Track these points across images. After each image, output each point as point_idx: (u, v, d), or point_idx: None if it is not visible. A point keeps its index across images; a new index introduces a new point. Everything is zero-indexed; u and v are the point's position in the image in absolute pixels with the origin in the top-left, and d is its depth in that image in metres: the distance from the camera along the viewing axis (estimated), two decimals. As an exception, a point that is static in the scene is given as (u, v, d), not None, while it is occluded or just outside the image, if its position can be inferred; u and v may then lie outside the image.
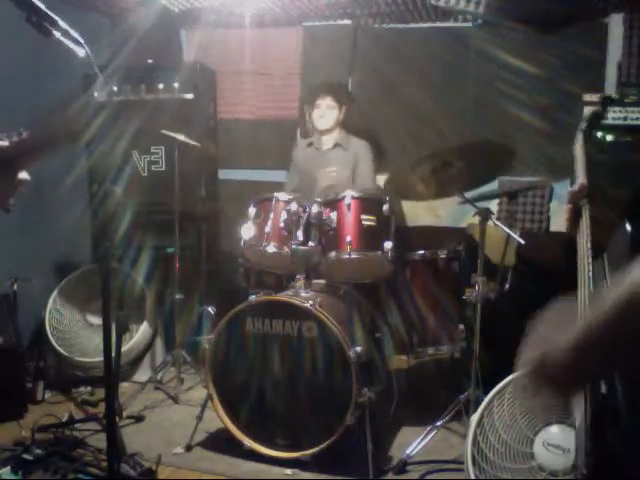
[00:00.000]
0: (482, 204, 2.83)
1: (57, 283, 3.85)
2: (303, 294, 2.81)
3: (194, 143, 3.42)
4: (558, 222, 3.80)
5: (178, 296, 3.51)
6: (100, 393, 3.51)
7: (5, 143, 1.19)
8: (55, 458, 2.57)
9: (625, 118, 3.25)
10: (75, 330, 3.78)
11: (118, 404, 2.95)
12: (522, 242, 2.84)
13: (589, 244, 1.31)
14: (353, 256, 2.80)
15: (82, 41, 1.31)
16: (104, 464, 2.53)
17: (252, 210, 3.00)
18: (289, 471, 2.66)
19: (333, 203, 2.87)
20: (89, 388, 3.59)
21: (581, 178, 1.52)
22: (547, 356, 0.95)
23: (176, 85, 3.85)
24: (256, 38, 4.29)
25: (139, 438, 2.95)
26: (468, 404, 2.71)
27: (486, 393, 2.38)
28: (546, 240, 3.75)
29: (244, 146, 4.38)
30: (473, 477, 2.21)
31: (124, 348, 3.54)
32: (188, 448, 2.85)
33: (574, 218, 1.43)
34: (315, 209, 2.85)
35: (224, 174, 4.42)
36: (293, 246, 2.84)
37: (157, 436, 3.01)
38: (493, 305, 2.82)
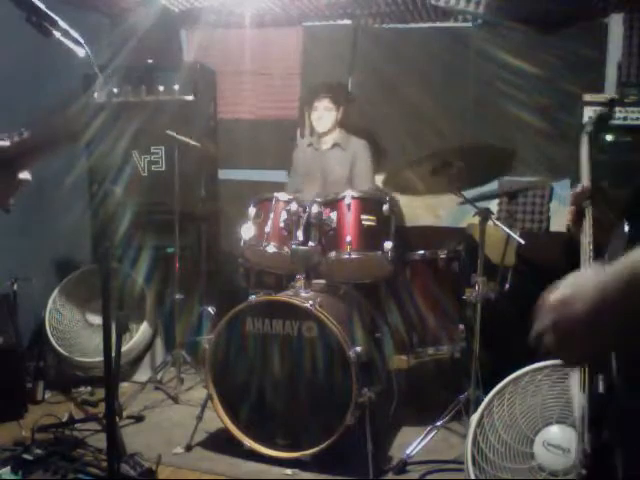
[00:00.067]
0: (482, 204, 2.83)
1: (57, 283, 3.85)
2: (303, 294, 2.81)
3: (194, 143, 3.42)
4: (558, 222, 3.80)
5: (178, 296, 3.51)
6: (100, 393, 3.51)
7: (6, 143, 1.19)
8: (55, 458, 2.57)
9: (625, 118, 3.25)
10: (75, 330, 3.78)
11: (118, 404, 2.95)
12: (522, 242, 2.84)
13: (592, 245, 1.32)
14: (353, 256, 2.80)
15: (82, 41, 1.31)
16: (104, 464, 2.53)
17: (252, 210, 3.00)
18: (289, 471, 2.66)
19: (333, 203, 2.87)
20: (89, 388, 3.59)
21: (585, 181, 1.52)
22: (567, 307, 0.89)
23: (176, 87, 3.85)
24: (256, 38, 4.29)
25: (139, 438, 2.95)
26: (468, 404, 2.71)
27: (486, 393, 2.38)
28: (546, 240, 3.75)
29: (244, 146, 4.38)
30: (473, 477, 2.21)
31: (124, 348, 3.55)
32: (188, 448, 2.85)
33: (577, 219, 1.44)
34: (315, 209, 2.85)
35: (224, 174, 4.42)
36: (293, 246, 2.84)
37: (157, 436, 3.01)
38: (493, 305, 2.82)
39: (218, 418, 2.78)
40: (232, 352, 2.79)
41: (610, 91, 3.60)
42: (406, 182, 2.85)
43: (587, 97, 3.36)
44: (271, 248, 2.90)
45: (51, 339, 3.70)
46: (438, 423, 2.80)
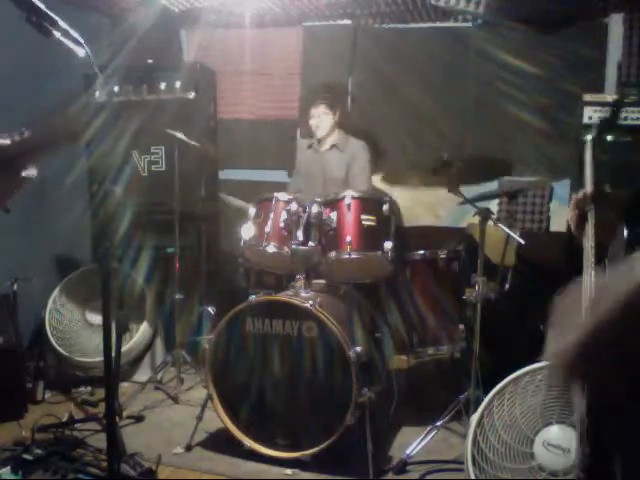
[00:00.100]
0: (482, 204, 2.83)
1: (57, 283, 3.84)
2: (303, 294, 2.81)
3: (194, 143, 3.42)
4: (558, 222, 3.80)
5: (178, 296, 3.50)
6: (100, 393, 3.51)
7: (6, 141, 1.19)
8: (55, 458, 2.57)
9: (625, 118, 3.25)
10: (75, 330, 3.78)
11: (118, 404, 2.95)
12: (522, 242, 2.84)
13: (593, 250, 1.32)
14: (353, 256, 2.80)
15: (82, 41, 1.31)
16: (104, 464, 2.53)
17: (252, 210, 3.00)
18: (289, 471, 2.66)
19: (333, 203, 2.87)
20: (89, 388, 3.59)
21: (588, 186, 1.52)
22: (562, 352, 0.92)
23: (178, 85, 3.85)
24: (256, 38, 4.30)
25: (139, 438, 2.95)
26: (468, 404, 2.71)
27: (486, 393, 2.38)
28: (546, 240, 3.75)
29: (244, 146, 4.38)
30: (473, 477, 2.21)
31: (124, 348, 3.54)
32: (188, 448, 2.85)
33: (579, 224, 1.44)
34: (315, 209, 2.85)
35: (224, 174, 4.42)
36: (293, 246, 2.84)
37: (157, 436, 3.01)
38: (493, 305, 2.82)
39: (218, 418, 2.78)
40: (232, 352, 2.79)
41: (610, 91, 3.60)
42: (404, 176, 2.85)
43: (587, 97, 3.37)
44: (271, 248, 2.90)
45: (51, 339, 3.70)
46: (438, 423, 2.80)
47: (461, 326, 2.96)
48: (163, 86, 3.87)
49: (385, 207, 2.84)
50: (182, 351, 3.52)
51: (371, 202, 2.89)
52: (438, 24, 4.01)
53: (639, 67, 3.61)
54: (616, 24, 3.67)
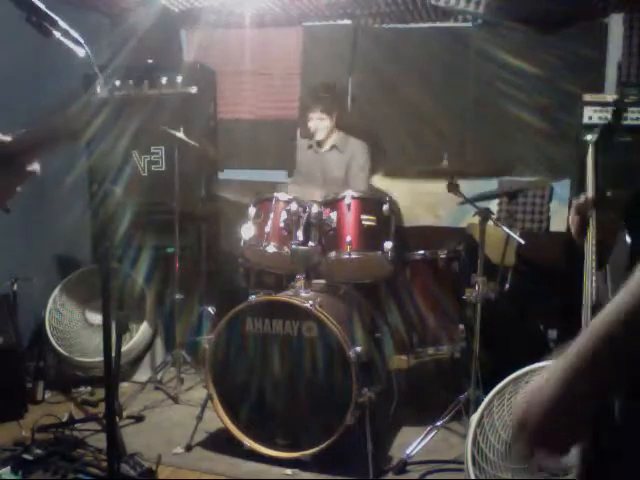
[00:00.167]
0: (482, 204, 2.83)
1: (57, 283, 3.84)
2: (303, 294, 2.80)
3: (194, 143, 3.42)
4: (558, 222, 3.80)
5: (178, 296, 3.50)
6: (100, 393, 3.51)
7: (7, 138, 1.19)
8: (55, 458, 2.57)
9: (625, 118, 3.25)
10: (75, 330, 3.78)
11: (118, 404, 2.95)
12: (522, 242, 2.84)
13: (594, 255, 1.32)
14: (353, 256, 2.80)
15: (82, 41, 1.31)
16: (104, 464, 2.53)
17: (252, 210, 3.00)
18: (289, 471, 2.66)
19: (333, 203, 2.87)
20: (89, 388, 3.59)
21: (590, 191, 1.52)
22: (527, 404, 0.85)
23: (179, 79, 3.86)
24: (256, 38, 4.30)
25: (139, 438, 2.95)
26: (468, 404, 2.71)
27: (486, 393, 2.38)
28: (546, 240, 3.75)
29: (244, 146, 4.38)
30: (473, 477, 2.21)
31: (124, 348, 3.54)
32: (188, 448, 2.85)
33: (581, 230, 1.44)
34: (315, 209, 2.85)
35: (224, 174, 4.42)
36: (293, 246, 2.84)
37: (157, 436, 3.01)
38: (493, 305, 2.82)
39: (218, 418, 2.78)
40: (232, 352, 2.79)
41: (610, 91, 3.60)
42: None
43: (587, 97, 3.37)
44: (271, 248, 2.90)
45: (51, 339, 3.70)
46: (438, 423, 2.80)
47: (461, 326, 2.96)
48: (164, 81, 3.87)
49: (385, 207, 2.84)
50: (182, 351, 3.52)
51: (371, 202, 2.89)
52: (438, 24, 4.02)
53: (639, 67, 3.61)
54: (616, 24, 3.67)
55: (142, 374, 3.78)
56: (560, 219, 3.78)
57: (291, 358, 2.70)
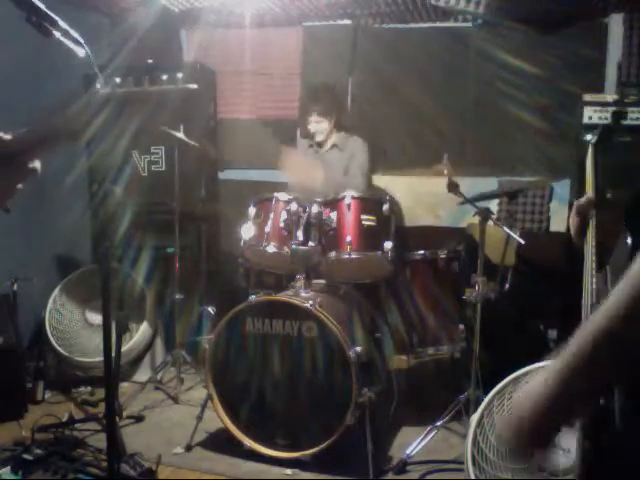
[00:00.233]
0: (482, 204, 2.83)
1: (57, 283, 3.85)
2: (303, 294, 2.80)
3: (194, 143, 3.43)
4: (558, 222, 3.80)
5: (178, 296, 3.51)
6: (100, 393, 3.51)
7: (8, 136, 1.19)
8: (55, 458, 2.57)
9: (625, 118, 3.25)
10: (75, 330, 3.78)
11: (118, 404, 2.95)
12: (522, 242, 2.84)
13: (594, 256, 1.31)
14: (353, 256, 2.80)
15: (82, 41, 1.31)
16: (104, 464, 2.53)
17: (252, 210, 3.00)
18: (289, 471, 2.66)
19: (333, 203, 2.87)
20: (89, 388, 3.59)
21: (590, 192, 1.52)
22: (520, 403, 0.86)
23: (180, 76, 3.86)
24: (256, 38, 4.30)
25: (139, 438, 2.95)
26: (468, 404, 2.71)
27: (486, 393, 2.38)
28: (546, 240, 3.75)
29: (244, 146, 4.38)
30: (473, 477, 2.21)
31: (124, 348, 3.54)
32: (188, 448, 2.85)
33: (581, 231, 1.44)
34: (315, 209, 2.85)
35: (224, 174, 4.42)
36: (293, 246, 2.84)
37: (157, 436, 3.01)
38: (493, 305, 2.82)
39: (218, 418, 2.78)
40: (232, 352, 2.79)
41: (610, 91, 3.60)
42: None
43: (587, 97, 3.37)
44: (271, 248, 2.90)
45: (51, 339, 3.71)
46: (438, 423, 2.80)
47: (461, 326, 2.96)
48: (165, 77, 3.87)
49: (385, 207, 2.84)
50: (182, 351, 3.52)
51: (371, 202, 2.89)
52: (438, 24, 4.02)
53: (639, 67, 3.61)
54: (616, 24, 3.67)
55: (142, 374, 3.78)
56: (560, 219, 3.78)
57: (291, 358, 2.70)
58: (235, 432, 2.75)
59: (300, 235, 2.85)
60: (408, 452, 2.70)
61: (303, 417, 2.69)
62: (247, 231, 2.95)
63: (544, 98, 3.74)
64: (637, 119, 3.25)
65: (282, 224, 2.90)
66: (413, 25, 4.07)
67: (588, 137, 1.74)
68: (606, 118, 3.25)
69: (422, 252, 3.03)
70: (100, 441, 2.78)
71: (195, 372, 3.63)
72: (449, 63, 3.97)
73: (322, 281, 3.09)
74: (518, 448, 0.87)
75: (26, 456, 2.54)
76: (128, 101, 3.74)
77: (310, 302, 2.64)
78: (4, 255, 3.38)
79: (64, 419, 3.01)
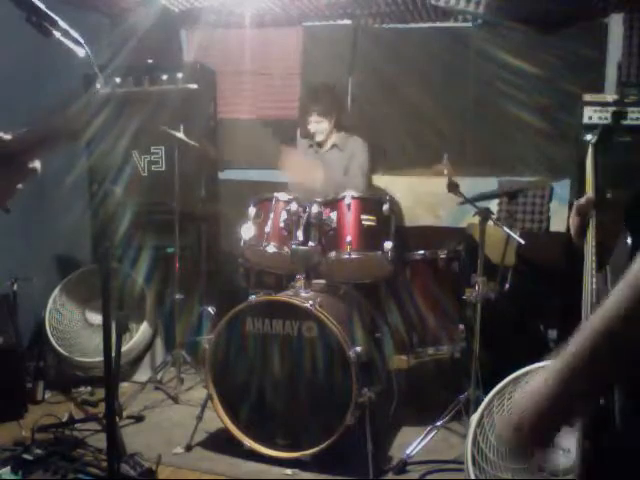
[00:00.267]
0: (482, 204, 2.83)
1: (57, 283, 3.85)
2: (303, 294, 2.81)
3: (194, 143, 3.43)
4: (558, 222, 3.80)
5: (178, 296, 3.51)
6: (100, 393, 3.51)
7: (7, 137, 1.19)
8: (55, 458, 2.57)
9: (625, 118, 3.25)
10: (75, 330, 3.78)
11: (118, 404, 2.95)
12: (522, 242, 2.84)
13: (594, 256, 1.31)
14: (353, 256, 2.80)
15: (82, 41, 1.31)
16: (104, 464, 2.53)
17: (252, 210, 3.00)
18: (289, 471, 2.66)
19: (333, 203, 2.87)
20: (89, 388, 3.59)
21: (589, 192, 1.52)
22: (519, 404, 0.86)
23: (180, 76, 3.86)
24: (256, 38, 4.30)
25: (139, 438, 2.95)
26: (468, 404, 2.71)
27: (486, 393, 2.38)
28: (546, 240, 3.75)
29: (244, 146, 4.38)
30: (473, 477, 2.21)
31: (124, 348, 3.54)
32: (188, 448, 2.85)
33: (581, 231, 1.44)
34: (315, 209, 2.85)
35: (224, 174, 4.42)
36: (293, 246, 2.84)
37: (157, 436, 3.01)
38: (493, 305, 2.82)
39: (218, 418, 2.78)
40: (232, 352, 2.79)
41: (610, 91, 3.60)
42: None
43: (587, 97, 3.37)
44: (271, 248, 2.90)
45: (51, 339, 3.71)
46: (438, 423, 2.80)
47: (461, 326, 2.96)
48: (165, 77, 3.88)
49: (385, 207, 2.84)
50: (182, 351, 3.52)
51: (371, 202, 2.89)
52: (438, 24, 4.02)
53: (639, 67, 3.61)
54: (616, 24, 3.67)
55: (142, 374, 3.78)
56: (560, 219, 3.78)
57: (291, 358, 2.70)
58: (235, 432, 2.75)
59: (300, 235, 2.85)
60: (408, 452, 2.70)
61: (303, 417, 2.69)
62: (247, 231, 2.95)
63: (544, 98, 3.74)
64: (637, 119, 3.25)
65: (282, 224, 2.90)
66: (413, 25, 4.07)
67: (588, 137, 1.74)
68: (606, 118, 3.25)
69: (422, 252, 3.03)
70: (100, 441, 2.78)
71: (195, 372, 3.63)
72: (449, 63, 3.97)
73: (322, 281, 3.09)
74: (518, 448, 0.87)
75: (26, 456, 2.54)
76: (128, 101, 3.74)
77: (310, 302, 2.64)
78: (4, 255, 3.38)
79: (64, 419, 3.01)
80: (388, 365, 3.05)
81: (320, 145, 3.69)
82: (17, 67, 3.37)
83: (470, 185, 3.22)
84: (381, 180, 3.99)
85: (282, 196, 2.96)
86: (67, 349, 3.69)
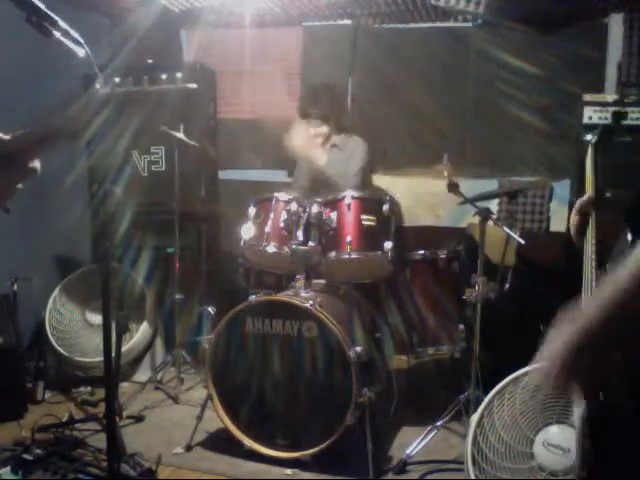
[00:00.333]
0: (482, 204, 2.83)
1: (57, 283, 3.85)
2: (303, 294, 2.80)
3: (193, 143, 3.43)
4: (558, 222, 3.80)
5: (178, 296, 3.50)
6: (100, 393, 3.51)
7: (7, 137, 1.19)
8: (55, 458, 2.57)
9: (625, 118, 3.25)
10: (75, 330, 3.78)
11: (118, 404, 2.95)
12: (522, 242, 2.84)
13: (594, 255, 1.32)
14: (353, 256, 2.80)
15: (82, 41, 1.31)
16: (104, 464, 2.53)
17: (252, 210, 3.00)
18: (289, 471, 2.66)
19: (333, 203, 2.87)
20: (89, 388, 3.59)
21: (590, 191, 1.53)
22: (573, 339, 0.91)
23: (179, 75, 3.86)
24: (256, 38, 4.30)
25: (139, 438, 2.95)
26: (468, 404, 2.71)
27: (486, 393, 2.38)
28: (546, 240, 3.75)
29: (244, 146, 4.38)
30: (473, 477, 2.21)
31: (124, 348, 3.54)
32: (188, 448, 2.85)
33: (581, 230, 1.44)
34: (315, 209, 2.85)
35: (224, 174, 4.42)
36: (293, 246, 2.84)
37: (157, 436, 3.01)
38: (493, 305, 2.82)
39: (218, 418, 2.78)
40: (232, 352, 2.79)
41: (610, 91, 3.60)
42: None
43: (587, 97, 3.36)
44: (271, 248, 2.90)
45: (51, 339, 3.71)
46: (438, 423, 2.80)
47: (461, 326, 2.96)
48: (164, 77, 3.88)
49: (385, 207, 2.84)
50: (182, 351, 3.52)
51: (371, 202, 2.89)
52: (438, 24, 4.01)
53: (639, 67, 3.61)
54: (616, 24, 3.67)
55: (142, 374, 3.78)
56: (560, 219, 3.78)
57: (291, 358, 2.70)
58: (235, 432, 2.75)
59: (300, 235, 2.85)
60: (408, 452, 2.70)
61: (303, 417, 2.69)
62: (247, 231, 2.95)
63: (544, 98, 3.73)
64: (637, 119, 3.25)
65: (282, 224, 2.90)
66: (413, 25, 4.07)
67: (588, 137, 1.74)
68: (606, 118, 3.25)
69: (422, 252, 3.03)
70: (100, 441, 2.77)
71: (195, 372, 3.63)
72: (449, 63, 3.97)
73: (322, 281, 3.08)
74: (556, 378, 0.91)
75: (26, 456, 2.54)
76: (128, 101, 3.74)
77: (310, 302, 2.64)
78: (4, 255, 3.38)
79: (64, 419, 3.01)
80: (388, 365, 3.05)
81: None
82: (17, 67, 3.37)
83: (470, 185, 3.22)
84: (381, 180, 3.98)
85: (282, 196, 2.96)
86: (67, 349, 3.69)
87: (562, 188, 3.74)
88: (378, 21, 4.12)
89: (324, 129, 3.57)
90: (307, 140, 3.55)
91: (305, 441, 2.65)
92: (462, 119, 3.96)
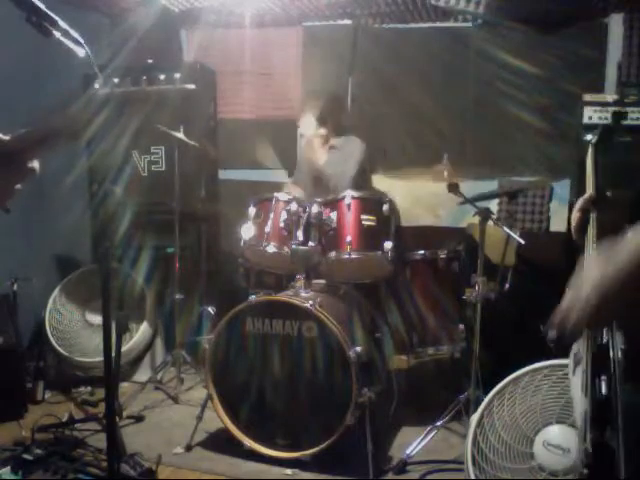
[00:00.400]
0: (482, 204, 2.83)
1: (57, 283, 3.85)
2: (303, 294, 2.80)
3: (193, 143, 3.43)
4: (558, 222, 3.80)
5: (178, 296, 3.50)
6: (100, 393, 3.51)
7: (6, 137, 1.19)
8: (55, 458, 2.57)
9: (625, 118, 3.25)
10: (75, 330, 3.78)
11: (118, 404, 2.95)
12: (522, 242, 2.84)
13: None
14: (353, 256, 2.80)
15: (82, 41, 1.31)
16: (104, 464, 2.53)
17: (252, 210, 3.00)
18: (289, 471, 2.66)
19: (333, 203, 2.88)
20: (89, 388, 3.59)
21: (590, 189, 1.53)
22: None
23: (177, 76, 3.86)
24: (256, 38, 4.30)
25: (139, 438, 2.95)
26: (468, 404, 2.71)
27: (486, 393, 2.38)
28: (546, 240, 3.75)
29: (244, 146, 4.38)
30: (473, 477, 2.21)
31: (124, 348, 3.55)
32: (188, 448, 2.85)
33: (581, 229, 1.44)
34: (315, 209, 2.85)
35: (224, 174, 4.42)
36: (293, 246, 2.84)
37: (157, 436, 3.01)
38: (493, 305, 2.82)
39: (218, 418, 2.78)
40: (232, 352, 2.79)
41: (610, 91, 3.60)
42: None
43: (587, 97, 3.36)
44: (271, 248, 2.90)
45: (51, 339, 3.71)
46: (438, 423, 2.80)
47: (461, 326, 2.96)
48: (163, 77, 3.88)
49: (385, 207, 2.84)
50: (182, 351, 3.52)
51: (371, 202, 2.89)
52: (438, 24, 4.02)
53: (639, 67, 3.61)
54: (616, 24, 3.67)
55: (142, 374, 3.78)
56: (560, 219, 3.78)
57: (291, 358, 2.70)
58: (235, 432, 2.75)
59: (300, 235, 2.85)
60: (408, 452, 2.70)
61: (303, 417, 2.69)
62: (247, 231, 2.95)
63: (544, 98, 3.74)
64: (637, 119, 3.25)
65: (282, 224, 2.90)
66: (413, 25, 4.07)
67: (588, 137, 1.74)
68: (606, 118, 3.25)
69: (422, 252, 3.03)
70: (100, 441, 2.77)
71: (195, 372, 3.63)
72: (449, 63, 3.97)
73: (322, 281, 3.08)
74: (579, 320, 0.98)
75: (26, 456, 2.54)
76: (128, 101, 3.74)
77: (310, 302, 2.64)
78: (4, 255, 3.38)
79: (64, 419, 3.01)
80: (388, 365, 3.05)
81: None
82: (17, 67, 3.37)
83: (470, 185, 3.22)
84: (381, 180, 3.98)
85: (282, 196, 2.96)
86: (67, 349, 3.70)
87: (562, 188, 3.74)
88: (378, 21, 4.12)
89: (322, 131, 3.58)
90: (308, 140, 3.56)
91: (305, 441, 2.64)
92: (462, 119, 3.96)
